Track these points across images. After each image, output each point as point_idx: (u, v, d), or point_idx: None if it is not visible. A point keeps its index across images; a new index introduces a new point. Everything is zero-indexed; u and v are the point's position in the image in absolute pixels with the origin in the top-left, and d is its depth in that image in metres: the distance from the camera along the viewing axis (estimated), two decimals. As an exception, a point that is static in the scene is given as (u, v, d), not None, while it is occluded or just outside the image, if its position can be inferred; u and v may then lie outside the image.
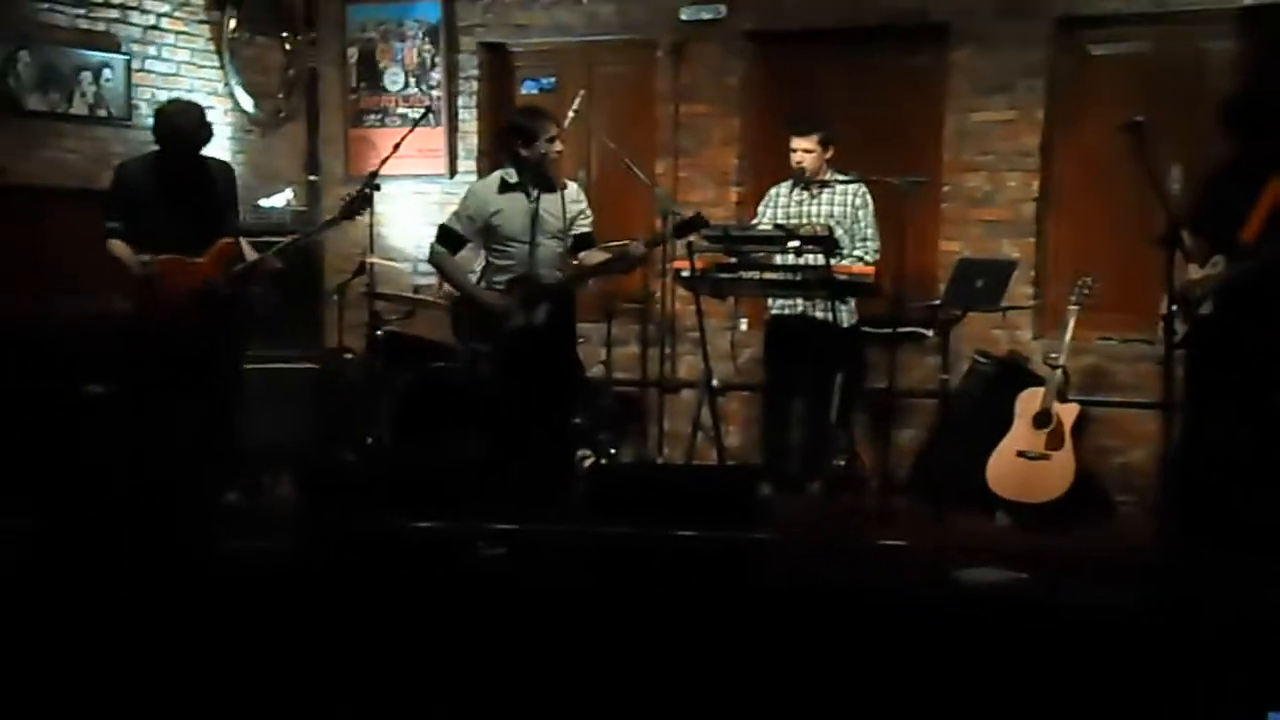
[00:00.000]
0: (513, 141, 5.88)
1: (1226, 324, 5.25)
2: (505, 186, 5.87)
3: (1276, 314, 5.22)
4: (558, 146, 5.87)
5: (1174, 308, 5.08)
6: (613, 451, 6.98)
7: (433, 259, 6.08)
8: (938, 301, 6.54)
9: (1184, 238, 5.11)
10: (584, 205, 6.00)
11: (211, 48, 7.79)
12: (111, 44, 7.16)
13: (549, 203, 5.87)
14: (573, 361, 6.25)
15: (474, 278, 6.06)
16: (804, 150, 6.40)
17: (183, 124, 5.83)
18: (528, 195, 5.84)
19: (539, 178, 5.85)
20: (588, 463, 6.68)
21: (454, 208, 6.39)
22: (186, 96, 7.41)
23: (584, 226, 5.97)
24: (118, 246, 5.81)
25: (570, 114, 6.35)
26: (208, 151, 6.04)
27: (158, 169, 5.91)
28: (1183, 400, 5.28)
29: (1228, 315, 5.24)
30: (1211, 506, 5.22)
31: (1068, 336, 6.23)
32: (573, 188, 6.02)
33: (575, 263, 5.94)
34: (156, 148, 5.93)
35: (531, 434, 5.82)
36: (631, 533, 4.57)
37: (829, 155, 6.45)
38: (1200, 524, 5.18)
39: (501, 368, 5.87)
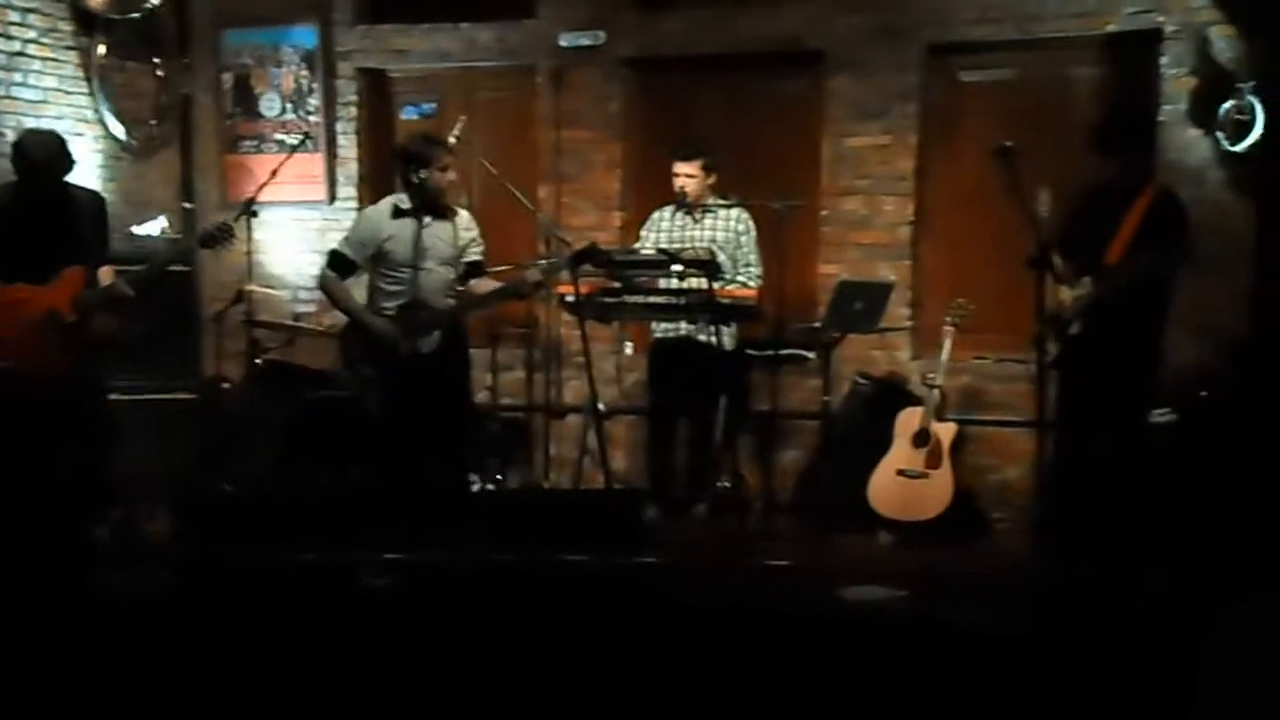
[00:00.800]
0: (405, 168, 5.92)
1: (1094, 343, 5.39)
2: (397, 212, 5.89)
3: (1139, 332, 5.38)
4: (450, 175, 5.91)
5: (1045, 328, 5.20)
6: (499, 477, 6.95)
7: (322, 284, 6.07)
8: (818, 324, 6.62)
9: (1054, 260, 5.23)
10: (475, 233, 6.04)
11: (80, 74, 7.60)
12: (-25, 71, 6.98)
13: (440, 229, 5.91)
14: (464, 389, 6.23)
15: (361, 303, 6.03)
16: (686, 175, 6.45)
17: (39, 154, 5.66)
18: (419, 221, 5.86)
19: (430, 205, 5.89)
20: (474, 488, 6.64)
21: (337, 233, 6.33)
22: (54, 124, 7.26)
23: (475, 254, 6.01)
24: None
25: (451, 139, 6.33)
26: (78, 179, 5.89)
27: (16, 199, 5.74)
28: (1056, 418, 5.41)
29: (1095, 334, 5.38)
30: (1085, 521, 5.35)
31: (944, 357, 6.35)
32: (464, 215, 6.05)
33: (464, 290, 5.94)
34: (14, 179, 5.75)
35: (420, 462, 5.80)
36: (518, 558, 4.56)
37: (711, 181, 6.51)
38: (1074, 539, 5.30)
39: (390, 394, 5.88)
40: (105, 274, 5.79)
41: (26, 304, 5.66)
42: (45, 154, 5.69)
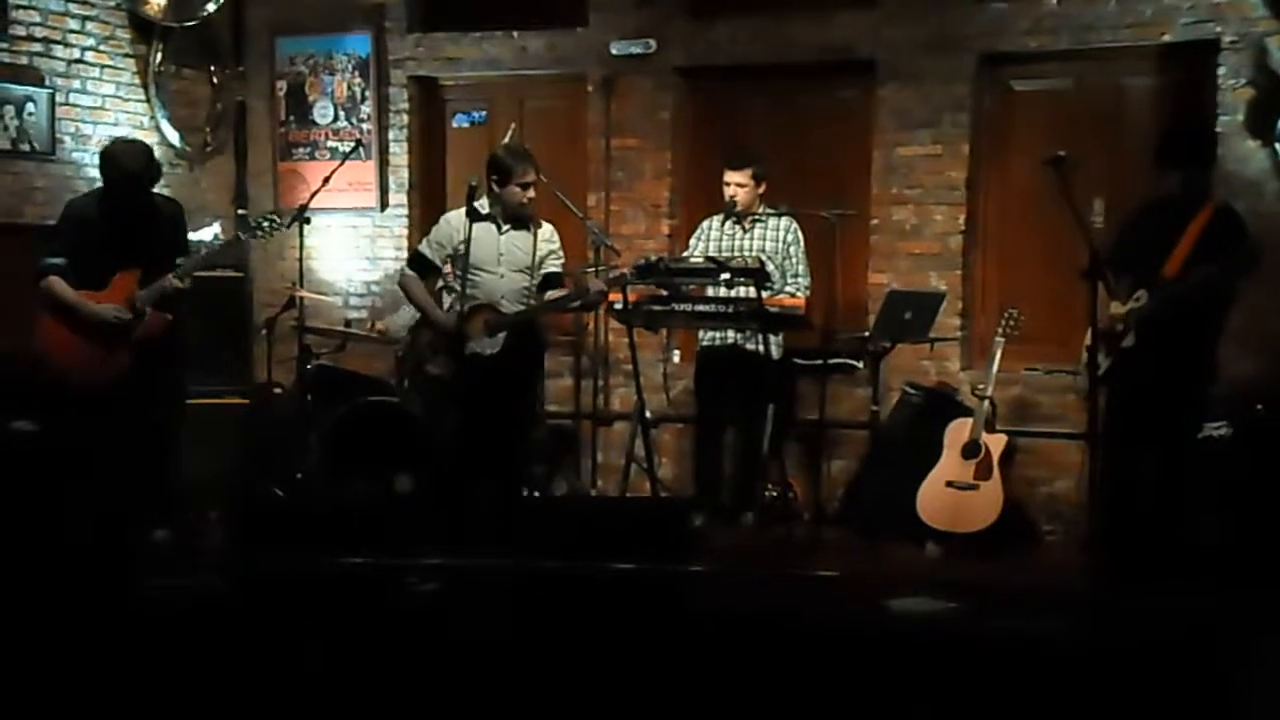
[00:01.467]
0: (490, 177, 6.01)
1: (1147, 355, 5.33)
2: (477, 216, 5.96)
3: (1194, 346, 5.32)
4: (530, 193, 5.98)
5: (1097, 342, 5.17)
6: (546, 484, 6.97)
7: (401, 280, 6.24)
8: (867, 333, 6.60)
9: (1108, 274, 5.19)
10: (556, 246, 6.13)
11: (137, 81, 7.70)
12: (35, 78, 7.07)
13: (519, 238, 6.03)
14: (529, 396, 6.28)
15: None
16: (738, 184, 6.45)
17: (129, 164, 5.77)
18: (498, 227, 5.99)
19: (510, 216, 6.00)
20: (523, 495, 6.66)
21: (388, 240, 6.38)
22: (111, 130, 7.38)
23: (553, 266, 6.09)
24: (55, 284, 5.77)
25: (497, 151, 6.38)
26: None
27: (104, 208, 5.87)
28: (1106, 431, 5.36)
29: (1148, 347, 5.33)
30: (1135, 536, 5.30)
31: (995, 368, 6.31)
32: (547, 228, 6.14)
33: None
34: (101, 186, 5.89)
35: (474, 466, 5.85)
36: (565, 565, 4.56)
37: (761, 190, 6.51)
38: (1125, 553, 5.25)
39: (453, 394, 5.94)
40: (186, 282, 5.88)
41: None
42: (135, 163, 5.80)
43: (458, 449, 5.96)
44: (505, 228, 6.02)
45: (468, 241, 5.84)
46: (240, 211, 8.27)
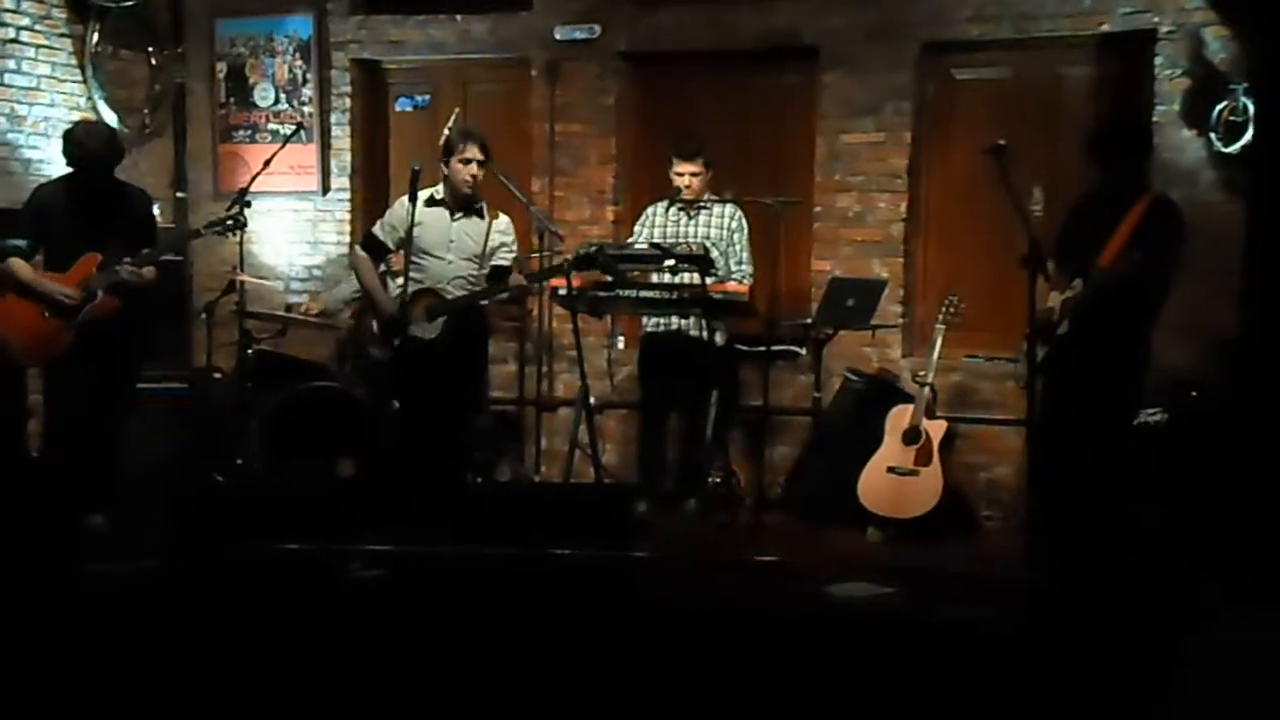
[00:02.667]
0: (444, 158, 6.09)
1: (1081, 343, 5.39)
2: (431, 201, 6.04)
3: (1126, 333, 5.39)
4: (473, 169, 6.01)
5: (1035, 330, 5.22)
6: (489, 470, 6.95)
7: (351, 259, 6.37)
8: (809, 320, 6.64)
9: (1047, 263, 5.24)
10: (509, 240, 6.18)
11: (74, 62, 7.58)
12: (-32, 57, 6.97)
13: (470, 226, 6.08)
14: (470, 382, 6.29)
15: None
16: (691, 174, 6.44)
17: (92, 144, 5.84)
18: (451, 214, 6.04)
19: (454, 196, 6.05)
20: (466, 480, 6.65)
21: (330, 225, 6.34)
22: (47, 111, 7.29)
23: (503, 259, 6.14)
24: (18, 265, 5.80)
25: (444, 131, 6.35)
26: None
27: (69, 191, 5.92)
28: (1041, 418, 5.42)
29: (1082, 335, 5.39)
30: (1071, 521, 5.36)
31: (935, 354, 6.37)
32: (503, 220, 6.19)
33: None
34: (69, 170, 5.92)
35: (420, 450, 5.85)
36: (508, 551, 4.56)
37: (709, 176, 6.51)
38: (1061, 538, 5.31)
39: (397, 378, 5.95)
40: (149, 273, 5.92)
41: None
42: (97, 143, 5.87)
43: (399, 434, 5.95)
44: (458, 215, 6.02)
45: (410, 228, 5.83)
46: (179, 194, 8.18)
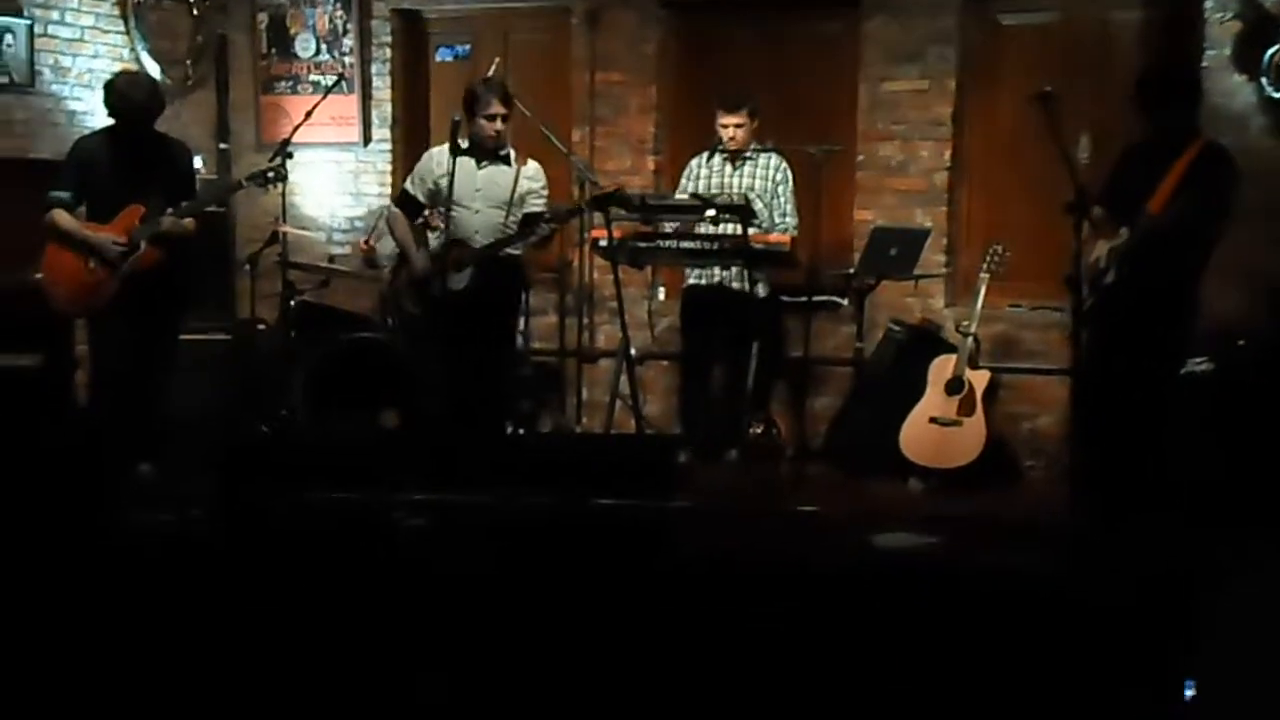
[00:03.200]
0: (465, 109, 6.02)
1: (1129, 291, 5.33)
2: (458, 151, 5.95)
3: (1175, 281, 5.32)
4: (498, 124, 5.95)
5: (1081, 278, 5.16)
6: (531, 421, 6.98)
7: (387, 217, 6.33)
8: (852, 270, 6.60)
9: (1094, 212, 5.18)
10: (540, 185, 6.12)
11: (117, 13, 7.60)
12: (13, 8, 6.98)
13: (498, 173, 6.02)
14: (502, 332, 6.25)
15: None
16: (735, 125, 6.39)
17: (135, 94, 5.83)
18: (477, 162, 5.99)
19: (482, 147, 5.98)
20: (508, 431, 6.67)
21: (371, 175, 6.35)
22: (90, 62, 7.33)
23: (535, 205, 6.07)
24: (61, 216, 5.83)
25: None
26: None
27: (111, 143, 5.94)
28: (1086, 366, 5.38)
29: (1130, 283, 5.33)
30: (1117, 471, 5.33)
31: (979, 304, 6.31)
32: (532, 166, 6.13)
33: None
34: (111, 121, 5.94)
35: (458, 401, 5.87)
36: (551, 501, 4.58)
37: (755, 127, 6.46)
38: (1107, 488, 5.28)
39: (431, 331, 5.95)
40: (190, 224, 5.97)
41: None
42: (139, 94, 5.88)
43: (436, 385, 5.98)
44: (484, 163, 5.99)
45: (451, 179, 5.82)
46: (222, 146, 8.20)
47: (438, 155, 6.10)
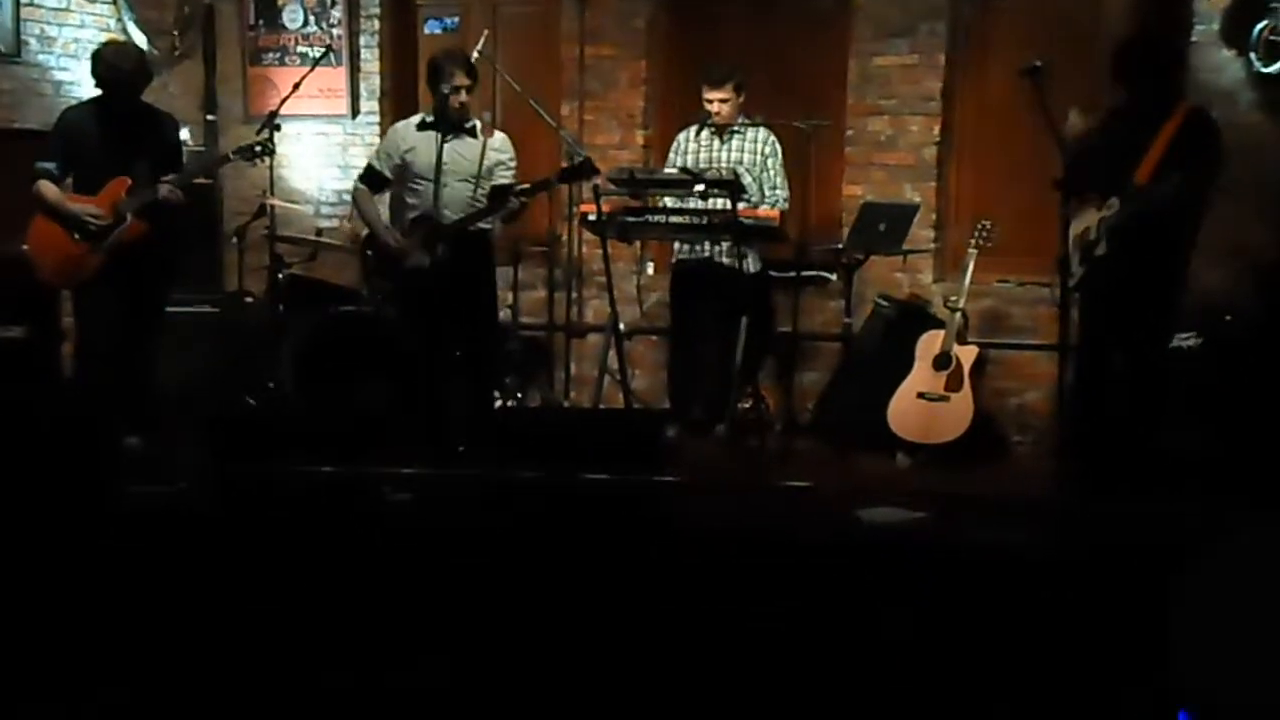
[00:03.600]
0: (429, 81, 6.00)
1: (1120, 264, 5.34)
2: (423, 125, 5.97)
3: (1167, 252, 5.33)
4: (462, 96, 5.90)
5: (1069, 251, 5.17)
6: (519, 395, 6.98)
7: (353, 194, 6.25)
8: (840, 245, 6.60)
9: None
10: (507, 156, 6.06)
11: (103, -18, 7.57)
12: (-2, -22, 6.94)
13: (464, 146, 5.95)
14: (480, 305, 6.21)
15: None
16: (720, 100, 6.36)
17: (122, 64, 5.80)
18: (442, 136, 5.91)
19: (448, 119, 5.92)
20: (495, 405, 6.67)
21: (360, 148, 6.30)
22: (76, 33, 7.28)
23: (503, 177, 6.01)
24: (47, 188, 5.80)
25: (474, 54, 6.29)
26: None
27: (98, 114, 5.90)
28: (1079, 339, 5.39)
29: (1121, 255, 5.33)
30: (1105, 446, 5.34)
31: (967, 280, 6.32)
32: (499, 137, 6.08)
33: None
34: (98, 92, 5.91)
35: (434, 376, 5.85)
36: (539, 475, 4.58)
37: (741, 100, 6.44)
38: (1095, 463, 5.30)
39: (405, 307, 5.93)
40: (177, 196, 5.90)
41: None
42: (126, 63, 5.84)
43: (417, 361, 5.97)
44: (450, 136, 5.92)
45: (440, 156, 5.78)
46: (209, 117, 8.16)
47: (403, 130, 6.08)
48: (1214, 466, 5.37)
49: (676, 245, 6.61)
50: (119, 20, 7.63)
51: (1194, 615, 3.28)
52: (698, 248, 6.47)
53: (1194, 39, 6.36)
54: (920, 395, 6.25)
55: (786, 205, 6.38)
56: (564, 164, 6.23)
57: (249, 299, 7.14)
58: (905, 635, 3.58)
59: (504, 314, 7.04)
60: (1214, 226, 5.49)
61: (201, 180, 7.12)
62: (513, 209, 5.88)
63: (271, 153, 6.15)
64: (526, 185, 5.90)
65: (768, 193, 6.39)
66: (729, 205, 5.98)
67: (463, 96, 5.90)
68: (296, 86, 6.61)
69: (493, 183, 5.96)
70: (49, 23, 7.21)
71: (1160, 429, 5.44)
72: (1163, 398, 5.47)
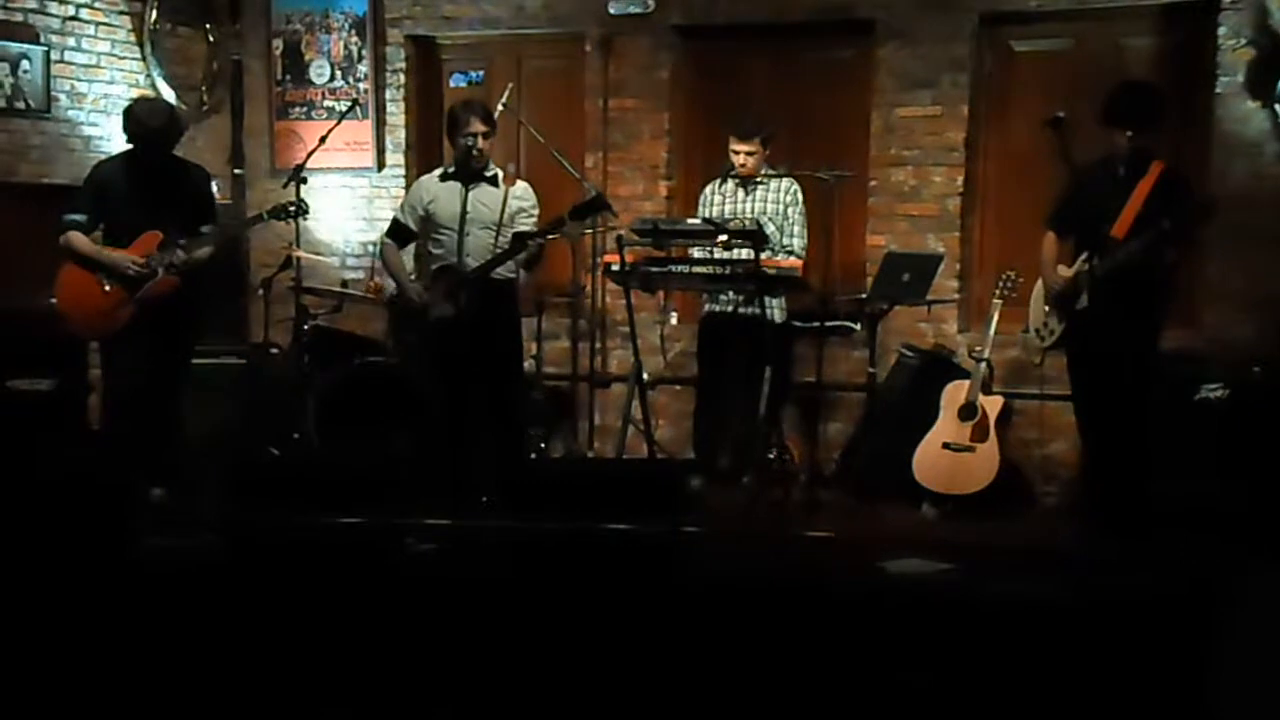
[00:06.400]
0: (448, 131, 6.05)
1: (1103, 317, 5.34)
2: (445, 176, 6.03)
3: (1148, 305, 5.33)
4: (480, 143, 5.92)
5: (1049, 308, 5.19)
6: (543, 445, 6.97)
7: (380, 249, 6.33)
8: (865, 295, 6.59)
9: (1049, 237, 5.19)
10: (529, 204, 6.09)
11: (133, 39, 7.65)
12: (29, 35, 7.02)
13: (485, 195, 5.99)
14: (505, 356, 6.21)
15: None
16: (746, 153, 6.38)
17: (152, 121, 5.84)
18: (464, 185, 5.95)
19: (468, 169, 5.95)
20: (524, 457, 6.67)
21: (385, 201, 6.33)
22: (106, 89, 7.37)
23: (525, 224, 6.02)
24: (78, 239, 5.86)
25: (499, 107, 6.34)
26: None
27: (129, 168, 5.95)
28: (1073, 393, 5.39)
29: (1104, 308, 5.33)
30: (1116, 495, 5.33)
31: (992, 330, 6.31)
32: (521, 186, 6.11)
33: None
34: (128, 147, 5.96)
35: (465, 428, 5.86)
36: (562, 526, 4.57)
37: (768, 153, 6.46)
38: (1114, 514, 5.28)
39: (430, 358, 5.94)
40: (205, 255, 5.99)
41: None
42: (157, 120, 5.88)
43: (443, 412, 5.98)
44: (471, 185, 5.96)
45: (464, 208, 5.81)
46: (236, 171, 8.24)
47: (426, 183, 6.14)
48: (1242, 518, 5.33)
49: (705, 298, 6.62)
50: (148, 76, 7.71)
51: (1226, 667, 3.25)
52: (724, 298, 6.48)
53: (1219, 90, 6.37)
54: (946, 445, 6.23)
55: (804, 254, 6.38)
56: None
57: (274, 350, 7.17)
58: (931, 687, 3.55)
59: (528, 364, 7.05)
60: (1240, 277, 5.48)
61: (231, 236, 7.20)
62: (532, 252, 5.90)
63: (306, 212, 6.24)
64: (542, 228, 5.93)
65: (786, 241, 6.40)
66: (752, 255, 5.99)
67: (481, 144, 5.94)
68: (323, 140, 6.68)
69: (514, 230, 5.98)
70: (79, 79, 7.30)
71: (1188, 482, 5.41)
72: (1190, 451, 5.45)
